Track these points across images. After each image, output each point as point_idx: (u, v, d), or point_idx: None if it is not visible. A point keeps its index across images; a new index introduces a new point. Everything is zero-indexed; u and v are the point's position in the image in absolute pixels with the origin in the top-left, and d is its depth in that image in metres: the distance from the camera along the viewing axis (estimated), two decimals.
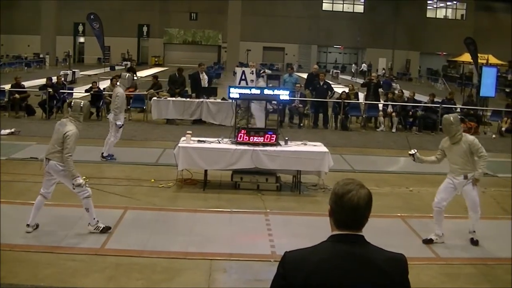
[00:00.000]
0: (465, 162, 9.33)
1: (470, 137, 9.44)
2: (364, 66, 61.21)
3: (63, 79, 25.76)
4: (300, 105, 22.31)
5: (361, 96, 25.34)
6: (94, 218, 9.18)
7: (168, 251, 8.67)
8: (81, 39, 66.75)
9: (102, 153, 14.68)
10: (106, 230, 9.22)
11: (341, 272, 2.90)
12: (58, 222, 9.11)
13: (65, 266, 7.87)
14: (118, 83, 15.04)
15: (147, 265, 8.06)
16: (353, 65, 65.91)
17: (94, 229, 9.17)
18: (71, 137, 8.83)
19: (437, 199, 9.50)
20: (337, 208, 3.02)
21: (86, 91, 22.56)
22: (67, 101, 9.45)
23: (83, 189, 8.97)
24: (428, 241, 9.51)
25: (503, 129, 22.80)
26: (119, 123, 14.53)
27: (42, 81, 23.57)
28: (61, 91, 22.21)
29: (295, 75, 24.30)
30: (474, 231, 9.55)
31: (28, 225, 8.95)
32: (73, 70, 38.62)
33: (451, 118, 9.43)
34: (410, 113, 23.09)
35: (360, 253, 2.97)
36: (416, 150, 9.85)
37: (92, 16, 32.26)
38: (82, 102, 9.49)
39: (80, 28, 64.63)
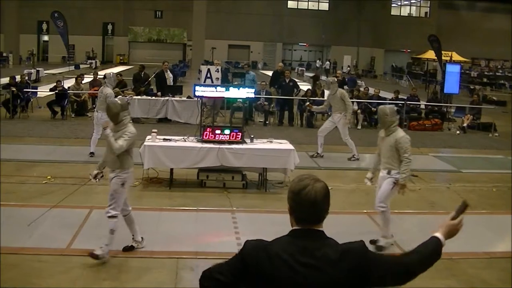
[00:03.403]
0: (390, 157, 8.85)
1: (401, 133, 8.93)
2: (327, 64, 61.51)
3: (27, 78, 25.47)
4: (266, 103, 22.37)
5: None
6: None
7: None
8: (45, 38, 65.86)
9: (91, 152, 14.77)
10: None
11: (296, 266, 2.92)
12: (21, 223, 9.00)
13: (30, 267, 7.80)
14: (105, 83, 14.85)
15: (114, 265, 8.03)
16: (318, 60, 66.31)
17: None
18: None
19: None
20: (296, 205, 3.06)
21: (51, 90, 22.33)
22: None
23: None
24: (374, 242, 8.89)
25: (465, 125, 23.10)
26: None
27: (6, 80, 23.25)
28: (25, 90, 21.97)
29: (251, 72, 24.34)
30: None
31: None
32: (37, 68, 38.26)
33: (387, 109, 9.04)
34: (375, 110, 23.30)
35: (318, 248, 2.97)
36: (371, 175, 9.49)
37: (56, 14, 31.85)
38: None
39: (44, 26, 63.57)
